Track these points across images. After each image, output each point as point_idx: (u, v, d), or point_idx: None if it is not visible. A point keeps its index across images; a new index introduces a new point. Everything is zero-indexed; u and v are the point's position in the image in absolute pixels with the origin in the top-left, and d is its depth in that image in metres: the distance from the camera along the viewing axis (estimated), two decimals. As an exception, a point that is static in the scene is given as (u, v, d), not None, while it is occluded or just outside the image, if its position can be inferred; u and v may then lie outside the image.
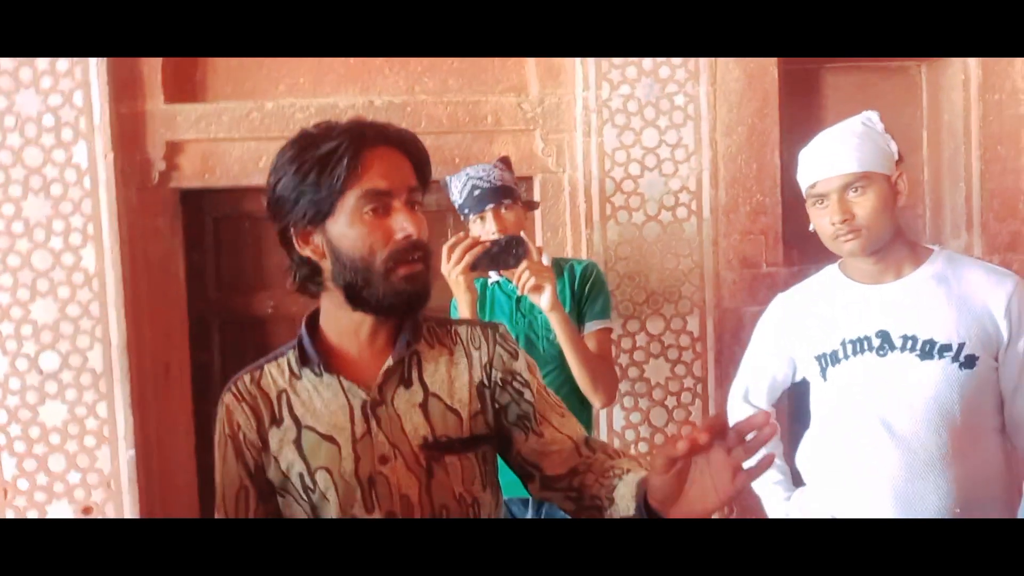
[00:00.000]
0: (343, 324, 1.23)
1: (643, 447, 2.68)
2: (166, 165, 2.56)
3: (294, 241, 1.20)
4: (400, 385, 1.23)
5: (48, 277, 2.47)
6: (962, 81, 2.77)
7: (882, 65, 2.89)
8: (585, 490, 1.23)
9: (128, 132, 2.52)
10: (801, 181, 1.75)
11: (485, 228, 2.03)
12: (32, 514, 2.51)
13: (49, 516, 2.51)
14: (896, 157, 1.69)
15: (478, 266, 1.86)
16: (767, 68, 2.67)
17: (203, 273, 2.74)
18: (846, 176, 1.64)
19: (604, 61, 2.60)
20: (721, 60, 2.64)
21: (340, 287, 1.19)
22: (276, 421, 1.21)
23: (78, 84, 2.45)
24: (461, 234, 1.88)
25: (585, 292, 2.09)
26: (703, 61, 2.63)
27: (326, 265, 1.19)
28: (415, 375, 1.24)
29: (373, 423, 1.20)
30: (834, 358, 1.72)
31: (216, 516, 1.24)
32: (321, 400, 1.21)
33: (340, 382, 1.21)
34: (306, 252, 1.20)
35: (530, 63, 2.70)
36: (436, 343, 1.28)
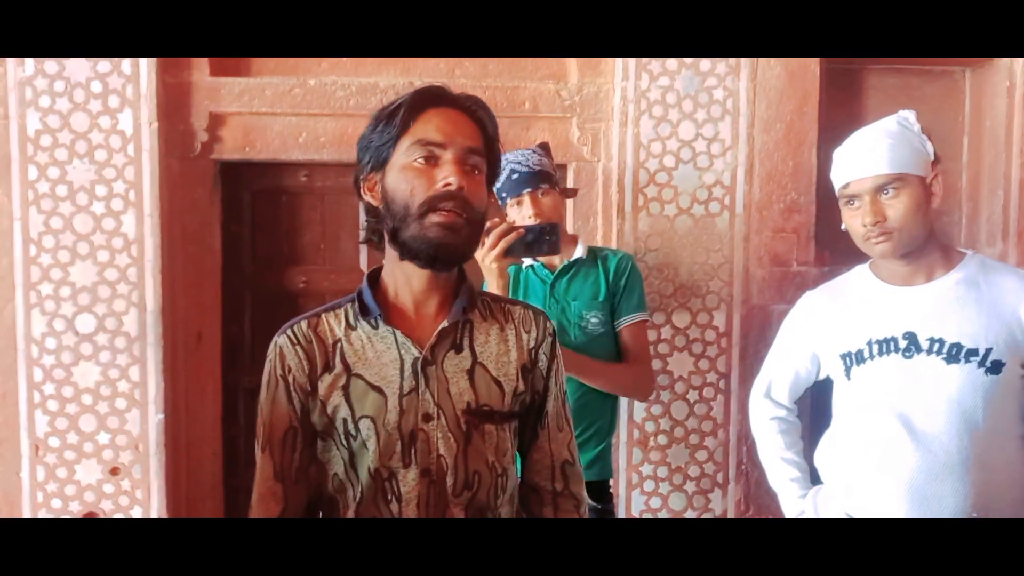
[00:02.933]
0: (398, 277, 1.28)
1: (663, 439, 2.68)
2: (208, 136, 2.60)
3: (361, 188, 1.28)
4: (451, 349, 1.27)
5: (88, 241, 2.53)
6: (1007, 88, 2.73)
7: (925, 68, 2.86)
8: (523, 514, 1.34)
9: (173, 102, 2.57)
10: (835, 180, 1.75)
11: (522, 212, 2.05)
12: (61, 472, 2.57)
13: (78, 475, 2.57)
14: (932, 158, 1.68)
15: (512, 252, 1.88)
16: (808, 66, 2.65)
17: (239, 245, 2.79)
18: (879, 177, 1.64)
19: (644, 52, 2.61)
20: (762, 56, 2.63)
21: (387, 232, 1.24)
22: (328, 368, 1.25)
23: (126, 53, 2.49)
24: (496, 220, 1.90)
25: (621, 285, 2.11)
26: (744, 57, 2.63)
27: (382, 211, 1.25)
28: (466, 342, 1.28)
29: (422, 381, 1.23)
30: (859, 357, 1.71)
31: (258, 450, 1.27)
32: (374, 351, 1.25)
33: (395, 336, 1.25)
34: (367, 198, 1.28)
35: (570, 51, 2.71)
36: (489, 316, 1.33)
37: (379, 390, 1.23)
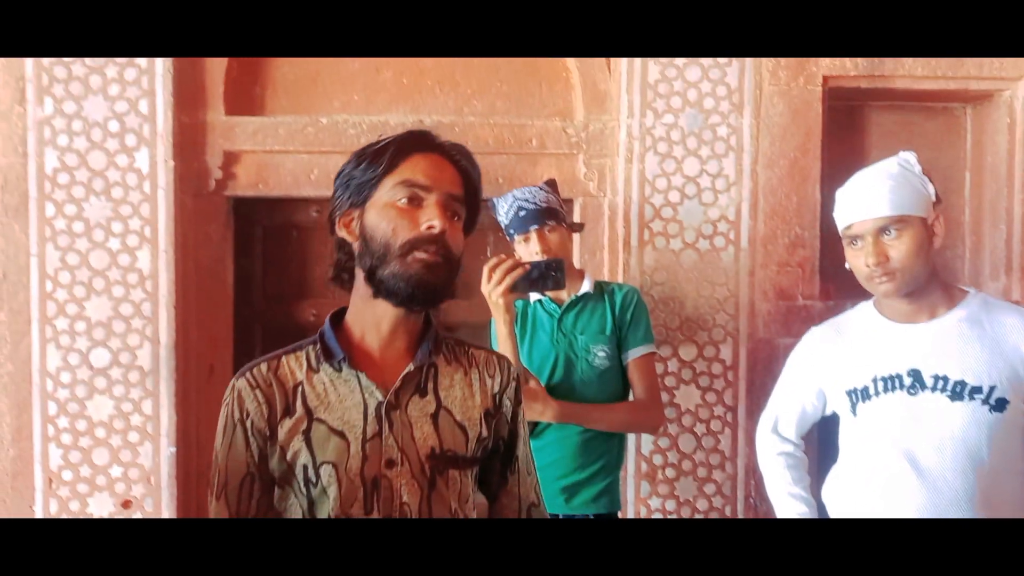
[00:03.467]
0: (367, 318, 1.25)
1: (670, 472, 2.70)
2: (222, 174, 2.65)
3: (336, 224, 1.27)
4: (416, 393, 1.25)
5: (104, 276, 2.57)
6: (1007, 124, 2.77)
7: (927, 105, 2.90)
8: None
9: (188, 140, 2.62)
10: (837, 221, 1.77)
11: (530, 248, 2.08)
12: (74, 505, 2.59)
13: (90, 508, 2.59)
14: (934, 199, 1.71)
15: (517, 288, 1.91)
16: (811, 103, 2.70)
17: (250, 280, 2.83)
18: (881, 219, 1.66)
19: (649, 91, 2.65)
20: (766, 93, 2.68)
21: (363, 270, 1.22)
22: (289, 412, 1.21)
23: (144, 93, 2.55)
24: (502, 256, 1.93)
25: (627, 318, 2.14)
26: (747, 94, 2.67)
27: (356, 248, 1.24)
28: (431, 386, 1.27)
29: (386, 425, 1.21)
30: (865, 394, 1.74)
31: (212, 499, 1.23)
32: (337, 395, 1.22)
33: (359, 379, 1.22)
34: (342, 233, 1.26)
35: (576, 89, 2.76)
36: (453, 360, 1.31)
37: (341, 435, 1.20)
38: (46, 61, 2.53)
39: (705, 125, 2.67)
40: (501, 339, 1.99)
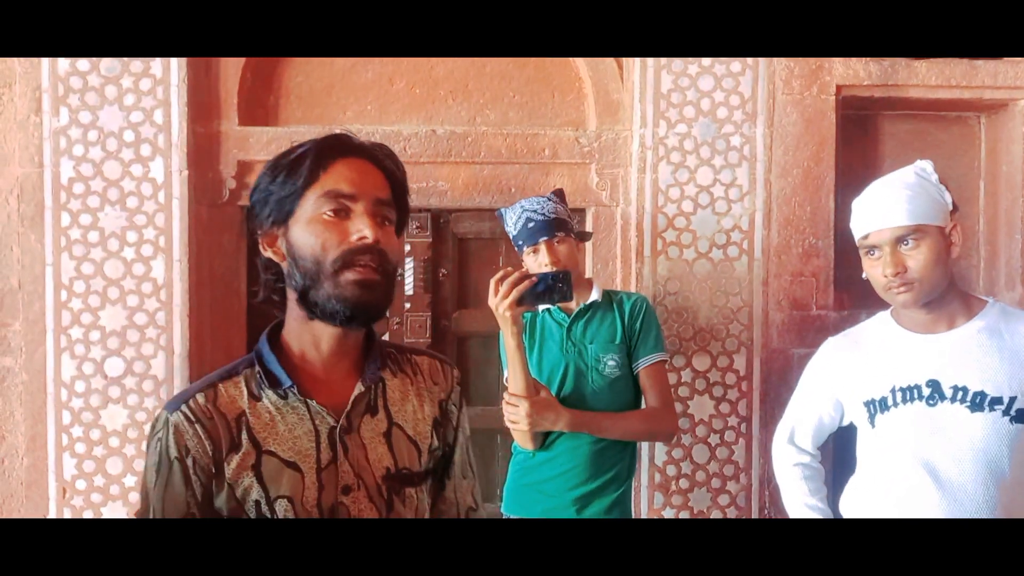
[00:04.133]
0: (304, 338, 1.18)
1: (684, 483, 2.69)
2: (236, 183, 2.66)
3: (260, 244, 1.19)
4: (367, 412, 1.20)
5: (119, 285, 2.58)
6: (1022, 134, 2.77)
7: (940, 115, 2.90)
8: None
9: (202, 151, 2.64)
10: (854, 231, 1.77)
11: (539, 260, 2.09)
12: (88, 514, 2.59)
13: (104, 517, 2.60)
14: (951, 207, 1.70)
15: (524, 301, 1.91)
16: (825, 112, 2.70)
17: (263, 289, 2.83)
18: (898, 229, 1.65)
19: (662, 100, 2.66)
20: (779, 102, 2.68)
21: (295, 291, 1.15)
22: (235, 446, 1.13)
23: (159, 103, 2.57)
24: (509, 268, 1.94)
25: (637, 327, 2.14)
26: (761, 103, 2.67)
27: (286, 269, 1.16)
28: (380, 403, 1.22)
29: (340, 451, 1.15)
30: (883, 405, 1.73)
31: None
32: (285, 424, 1.15)
33: (308, 406, 1.16)
34: (268, 254, 1.18)
35: (589, 99, 2.77)
36: (399, 371, 1.27)
37: (295, 466, 1.13)
38: (62, 71, 2.54)
39: (718, 134, 2.67)
40: (509, 351, 1.99)
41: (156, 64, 2.56)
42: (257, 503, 1.12)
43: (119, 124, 2.57)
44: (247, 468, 1.12)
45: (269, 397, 1.16)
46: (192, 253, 2.61)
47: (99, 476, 2.60)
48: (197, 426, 1.12)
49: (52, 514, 2.59)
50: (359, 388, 1.18)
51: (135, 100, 2.57)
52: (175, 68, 2.57)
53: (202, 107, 2.63)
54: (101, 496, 2.60)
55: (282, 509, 1.12)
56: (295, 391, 1.15)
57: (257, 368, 1.17)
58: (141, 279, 2.58)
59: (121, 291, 2.58)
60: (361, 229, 1.11)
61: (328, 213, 1.12)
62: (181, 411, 1.13)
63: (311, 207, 1.13)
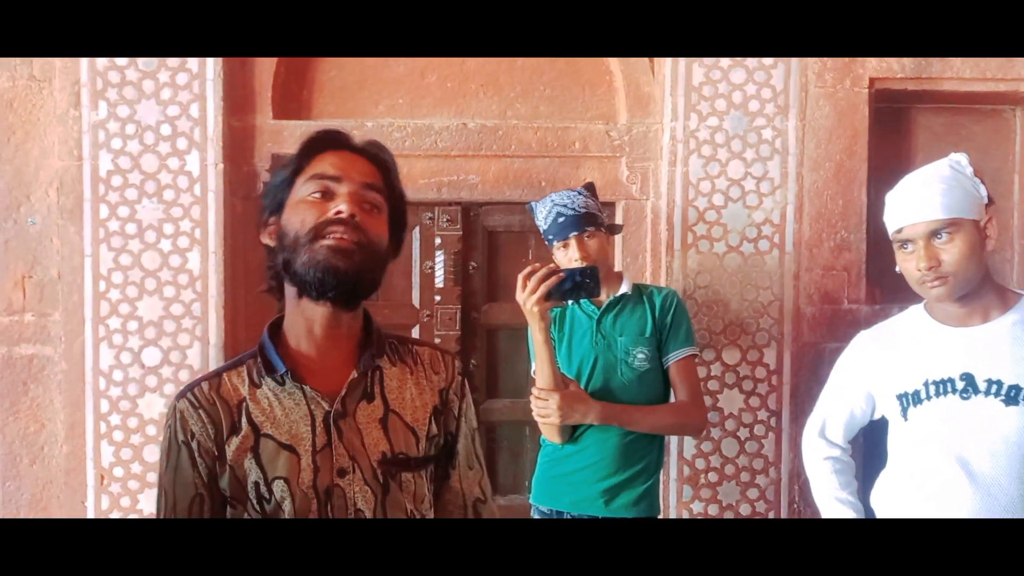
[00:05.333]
0: (299, 323, 1.23)
1: (713, 476, 2.69)
2: (270, 177, 2.69)
3: (262, 234, 1.25)
4: (363, 399, 1.23)
5: (156, 277, 2.62)
6: (1058, 126, 2.73)
7: (974, 107, 2.86)
8: None
9: (237, 144, 2.67)
10: (887, 224, 1.76)
11: (568, 255, 2.09)
12: (125, 501, 2.64)
13: (140, 504, 2.64)
14: (986, 201, 1.69)
15: (551, 297, 1.92)
16: (857, 106, 2.68)
17: (296, 280, 2.86)
18: (932, 222, 1.65)
19: (693, 93, 2.65)
20: (811, 95, 2.67)
21: (282, 269, 1.20)
22: (235, 430, 1.20)
23: (195, 97, 2.60)
24: (536, 264, 1.94)
25: (667, 321, 2.14)
26: (793, 96, 2.66)
27: (276, 249, 1.22)
28: (377, 390, 1.25)
29: (335, 434, 1.20)
30: (916, 398, 1.72)
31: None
32: (282, 409, 1.20)
33: (304, 391, 1.21)
34: (267, 241, 1.25)
35: (620, 92, 2.77)
36: (398, 360, 1.30)
37: (291, 449, 1.18)
38: (100, 67, 2.59)
39: (750, 128, 2.66)
40: (537, 346, 2.01)
41: (192, 59, 2.60)
42: (256, 484, 1.18)
43: (156, 118, 2.61)
44: (247, 450, 1.19)
45: (268, 384, 1.22)
46: (227, 245, 2.64)
47: (136, 464, 2.65)
48: (201, 411, 1.20)
49: (90, 500, 2.64)
50: (354, 374, 1.23)
51: (172, 94, 2.60)
52: (211, 63, 2.61)
53: (237, 101, 2.66)
54: (138, 483, 2.65)
55: (279, 490, 1.17)
56: (290, 377, 1.20)
57: (258, 357, 1.24)
58: (177, 270, 2.62)
59: (158, 282, 2.63)
60: (339, 205, 1.17)
61: (315, 195, 1.18)
62: (187, 398, 1.22)
63: (299, 191, 1.20)
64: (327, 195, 1.18)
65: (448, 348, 1.41)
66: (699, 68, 2.66)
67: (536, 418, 2.08)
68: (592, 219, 2.11)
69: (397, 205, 1.28)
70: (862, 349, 1.89)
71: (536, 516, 2.21)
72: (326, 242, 1.15)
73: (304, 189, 1.19)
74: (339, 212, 1.16)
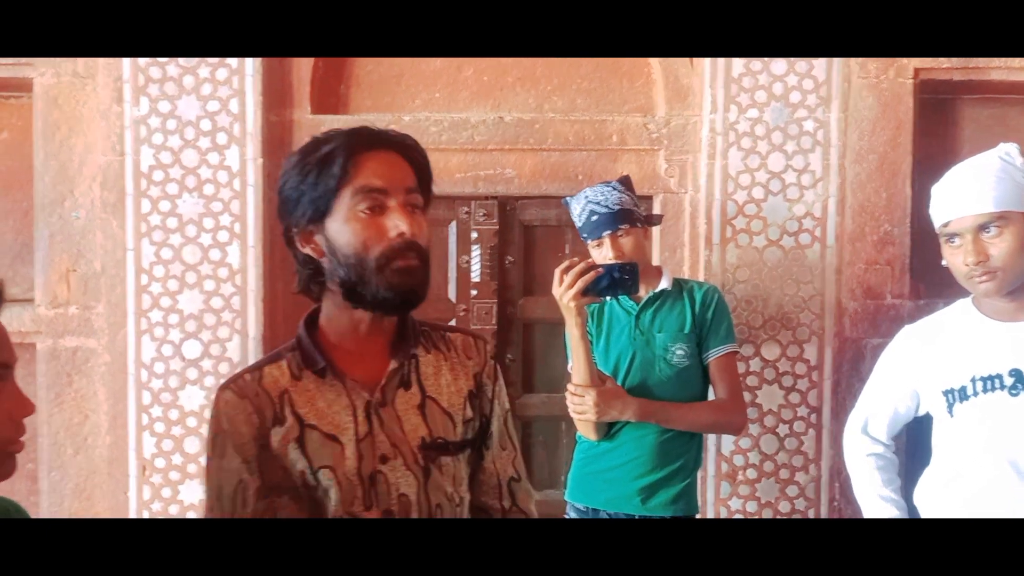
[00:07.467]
0: (343, 323, 1.26)
1: (751, 473, 2.66)
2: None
3: (296, 241, 1.24)
4: (400, 387, 1.27)
5: (196, 271, 2.66)
6: (1112, 117, 2.65)
7: (1022, 98, 2.79)
8: None
9: (276, 139, 2.69)
10: (934, 218, 1.72)
11: (603, 253, 2.06)
12: (166, 492, 2.68)
13: (181, 495, 2.68)
14: (1036, 193, 1.65)
15: (588, 292, 1.90)
16: (902, 97, 2.62)
17: (333, 274, 2.88)
18: (981, 216, 1.61)
19: (733, 85, 2.62)
20: (854, 86, 2.62)
21: (338, 285, 1.22)
22: (279, 420, 1.23)
23: (234, 93, 2.63)
24: (574, 259, 1.92)
25: (708, 317, 2.11)
26: (835, 87, 2.61)
27: (326, 264, 1.22)
28: (414, 377, 1.29)
29: (375, 423, 1.24)
30: (963, 394, 1.68)
31: (208, 514, 1.25)
32: (324, 400, 1.24)
33: (344, 382, 1.24)
34: (307, 251, 1.24)
35: (658, 84, 2.74)
36: (432, 348, 1.33)
37: (335, 439, 1.22)
38: (142, 63, 2.62)
39: (791, 119, 2.62)
40: (573, 342, 1.99)
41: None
42: (302, 472, 1.22)
43: (196, 113, 2.64)
44: (291, 441, 1.22)
45: (308, 376, 1.25)
46: (266, 239, 2.66)
47: (177, 455, 2.68)
48: (245, 401, 1.23)
49: (132, 491, 2.69)
50: (393, 364, 1.26)
51: (212, 90, 2.63)
52: (250, 59, 2.63)
53: (276, 96, 2.69)
54: (179, 474, 2.69)
55: (324, 478, 1.21)
56: (330, 370, 1.24)
57: (297, 351, 1.27)
58: (217, 264, 2.65)
59: (198, 276, 2.66)
60: (398, 225, 1.18)
61: (364, 211, 1.18)
62: (231, 388, 1.25)
63: (346, 205, 1.19)
64: (376, 209, 1.19)
65: (479, 333, 1.41)
66: (739, 59, 2.62)
67: (572, 415, 2.07)
68: (627, 215, 2.06)
69: (427, 191, 1.29)
70: (907, 344, 1.85)
71: (572, 513, 2.20)
72: (397, 265, 1.18)
73: (352, 203, 1.18)
74: (401, 234, 1.18)
